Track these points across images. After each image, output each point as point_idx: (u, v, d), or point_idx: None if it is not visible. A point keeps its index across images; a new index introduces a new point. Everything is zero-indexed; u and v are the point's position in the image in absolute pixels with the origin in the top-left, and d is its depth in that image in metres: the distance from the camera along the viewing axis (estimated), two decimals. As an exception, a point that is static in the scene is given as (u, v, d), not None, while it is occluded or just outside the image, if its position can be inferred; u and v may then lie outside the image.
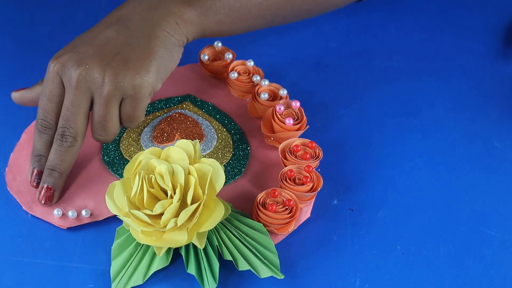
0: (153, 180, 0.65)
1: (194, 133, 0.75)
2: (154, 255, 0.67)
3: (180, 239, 0.64)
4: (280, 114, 0.74)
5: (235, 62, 0.79)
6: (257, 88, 0.77)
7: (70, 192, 0.72)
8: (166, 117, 0.76)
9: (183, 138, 0.75)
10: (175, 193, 0.64)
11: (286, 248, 0.70)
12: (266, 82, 0.77)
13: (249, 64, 0.79)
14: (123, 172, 0.71)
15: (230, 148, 0.75)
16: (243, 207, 0.71)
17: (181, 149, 0.66)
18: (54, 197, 0.71)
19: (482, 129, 0.79)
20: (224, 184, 0.70)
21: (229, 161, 0.74)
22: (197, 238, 0.65)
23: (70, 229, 0.70)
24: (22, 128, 0.77)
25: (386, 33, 0.87)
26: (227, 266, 0.68)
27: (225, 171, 0.73)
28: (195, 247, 0.67)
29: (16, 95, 0.74)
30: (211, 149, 0.75)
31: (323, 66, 0.84)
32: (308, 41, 0.86)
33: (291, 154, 0.72)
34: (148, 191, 0.64)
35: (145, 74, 0.69)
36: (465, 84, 0.82)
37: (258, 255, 0.67)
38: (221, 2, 0.74)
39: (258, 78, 0.78)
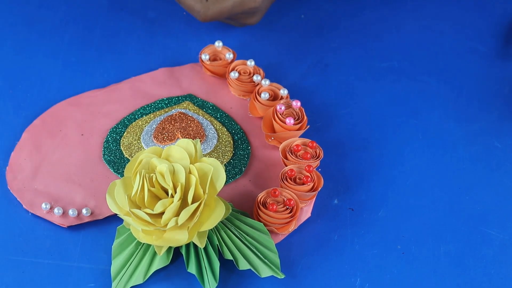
0: (154, 179, 0.65)
1: (195, 133, 0.75)
2: (154, 254, 0.67)
3: (180, 238, 0.64)
4: (280, 114, 0.74)
5: (236, 62, 0.79)
6: (257, 87, 0.77)
7: (70, 190, 0.72)
8: (167, 117, 0.76)
9: (184, 137, 0.75)
10: (175, 192, 0.64)
11: (286, 248, 0.70)
12: (266, 82, 0.77)
13: (249, 63, 0.79)
14: (123, 171, 0.71)
15: (230, 148, 0.75)
16: (243, 207, 0.71)
17: (181, 148, 0.66)
18: None
19: (482, 129, 0.79)
20: (225, 183, 0.70)
21: (229, 160, 0.74)
22: (198, 237, 0.65)
23: (70, 228, 0.70)
24: (22, 128, 0.77)
25: (386, 33, 0.87)
26: (228, 266, 0.68)
27: (225, 171, 0.73)
28: (195, 246, 0.67)
29: None
30: (211, 149, 0.75)
31: (323, 66, 0.84)
32: (309, 41, 0.86)
33: (292, 154, 0.72)
34: (148, 190, 0.64)
35: None
36: (465, 84, 0.83)
37: (259, 254, 0.67)
38: None
39: (259, 77, 0.78)
